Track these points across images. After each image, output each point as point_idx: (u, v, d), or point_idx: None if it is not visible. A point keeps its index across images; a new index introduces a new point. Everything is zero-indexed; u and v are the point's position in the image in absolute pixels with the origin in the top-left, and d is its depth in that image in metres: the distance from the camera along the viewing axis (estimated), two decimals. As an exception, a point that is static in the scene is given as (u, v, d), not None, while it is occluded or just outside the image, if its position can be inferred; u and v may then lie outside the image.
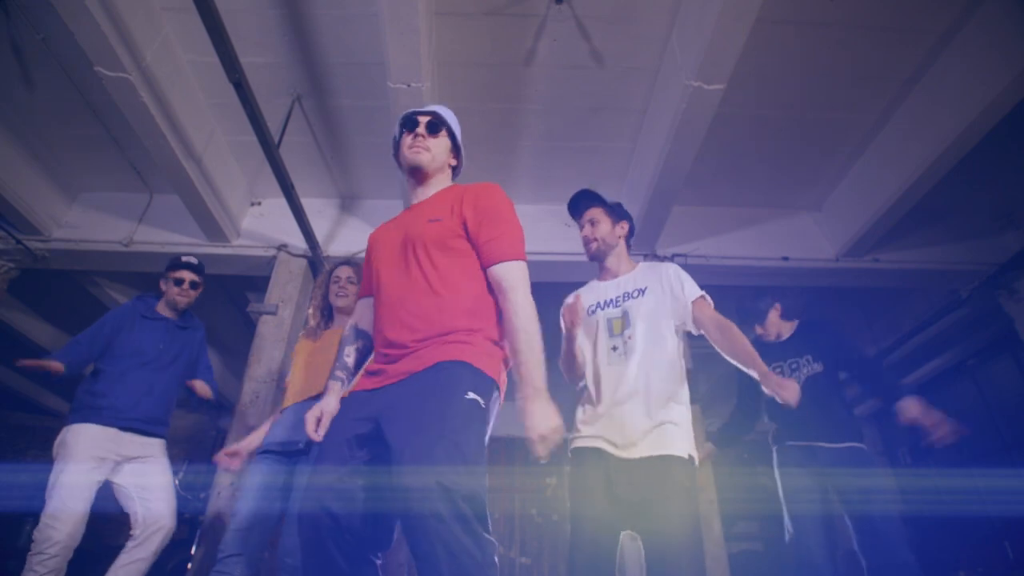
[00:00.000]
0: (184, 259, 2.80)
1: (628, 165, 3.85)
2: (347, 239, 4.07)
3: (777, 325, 2.75)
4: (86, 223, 4.02)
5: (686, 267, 2.07)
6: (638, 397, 1.75)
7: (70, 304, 4.99)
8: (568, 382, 1.98)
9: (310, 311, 2.42)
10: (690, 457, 1.71)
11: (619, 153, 3.80)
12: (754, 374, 1.74)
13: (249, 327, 4.08)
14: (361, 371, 1.52)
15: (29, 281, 4.29)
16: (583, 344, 1.94)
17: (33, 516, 2.50)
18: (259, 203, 4.19)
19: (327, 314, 2.40)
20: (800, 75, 3.22)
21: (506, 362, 1.39)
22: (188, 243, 3.89)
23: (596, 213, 2.05)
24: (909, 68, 3.19)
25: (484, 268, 1.42)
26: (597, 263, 2.09)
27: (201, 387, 2.68)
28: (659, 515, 1.60)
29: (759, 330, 2.74)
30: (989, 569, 4.41)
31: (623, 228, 2.07)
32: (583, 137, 3.69)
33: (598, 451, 1.74)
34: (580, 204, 2.09)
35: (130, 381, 2.56)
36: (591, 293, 2.04)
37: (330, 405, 1.42)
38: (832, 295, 4.74)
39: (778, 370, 2.63)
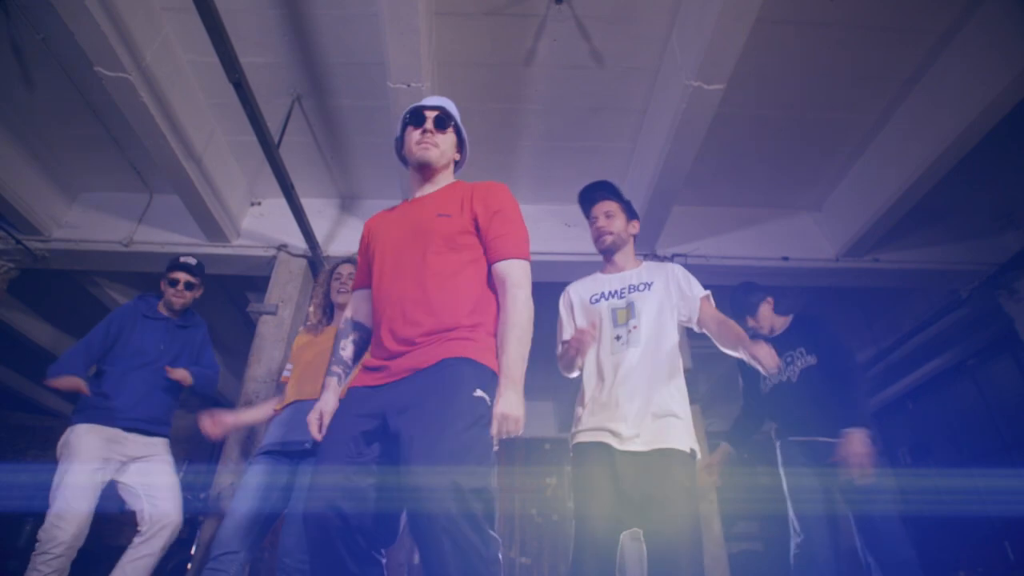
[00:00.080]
0: (182, 260, 2.81)
1: (628, 165, 3.85)
2: (347, 239, 4.07)
3: (770, 319, 2.75)
4: (86, 223, 4.02)
5: (686, 267, 2.08)
6: (641, 385, 1.76)
7: (70, 304, 4.99)
8: (562, 371, 1.99)
9: (311, 308, 2.42)
10: (692, 452, 1.72)
11: (619, 153, 3.80)
12: (742, 353, 1.74)
13: (249, 327, 4.08)
14: (358, 366, 1.51)
15: (29, 281, 4.29)
16: None
17: (33, 516, 2.50)
18: (259, 203, 4.19)
19: (328, 311, 2.41)
20: (800, 75, 3.22)
21: None
22: (188, 243, 3.89)
23: (613, 207, 2.05)
24: (909, 68, 3.19)
25: (490, 263, 1.43)
26: (605, 257, 2.08)
27: (179, 374, 2.63)
28: (662, 514, 1.60)
29: (751, 323, 2.74)
30: (989, 569, 4.41)
31: (635, 227, 2.09)
32: (583, 137, 3.69)
33: (602, 446, 1.74)
34: (597, 194, 2.08)
35: (133, 381, 2.57)
36: (593, 284, 2.04)
37: (329, 403, 1.42)
38: (832, 295, 4.74)
39: None
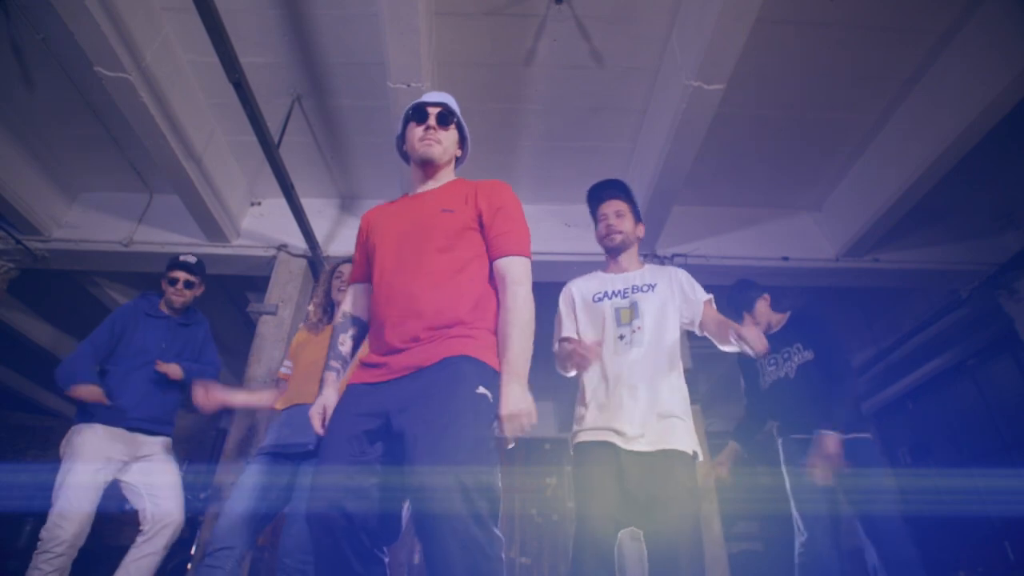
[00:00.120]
0: (181, 258, 2.81)
1: (628, 165, 3.85)
2: (347, 239, 4.07)
3: (767, 315, 2.75)
4: (86, 223, 4.02)
5: (686, 267, 2.08)
6: (645, 385, 1.76)
7: (70, 304, 4.99)
8: (557, 367, 1.98)
9: (311, 307, 2.43)
10: (694, 453, 1.72)
11: (619, 153, 3.80)
12: (732, 339, 1.73)
13: (249, 327, 4.08)
14: (355, 361, 1.51)
15: (29, 281, 4.29)
16: (586, 332, 1.94)
17: (33, 516, 2.50)
18: (259, 203, 4.19)
19: (329, 310, 2.41)
20: (800, 75, 3.22)
21: None
22: (188, 243, 3.89)
23: (624, 207, 2.04)
24: (909, 68, 3.19)
25: (492, 260, 1.43)
26: (610, 256, 2.07)
27: (170, 368, 2.62)
28: (664, 514, 1.60)
29: (748, 319, 2.75)
30: (989, 569, 4.41)
31: (641, 231, 2.09)
32: (583, 137, 3.69)
33: (606, 445, 1.73)
34: (609, 192, 2.07)
35: (136, 381, 2.58)
36: (596, 282, 2.03)
37: (330, 400, 1.41)
38: (832, 295, 4.74)
39: (771, 362, 2.65)
